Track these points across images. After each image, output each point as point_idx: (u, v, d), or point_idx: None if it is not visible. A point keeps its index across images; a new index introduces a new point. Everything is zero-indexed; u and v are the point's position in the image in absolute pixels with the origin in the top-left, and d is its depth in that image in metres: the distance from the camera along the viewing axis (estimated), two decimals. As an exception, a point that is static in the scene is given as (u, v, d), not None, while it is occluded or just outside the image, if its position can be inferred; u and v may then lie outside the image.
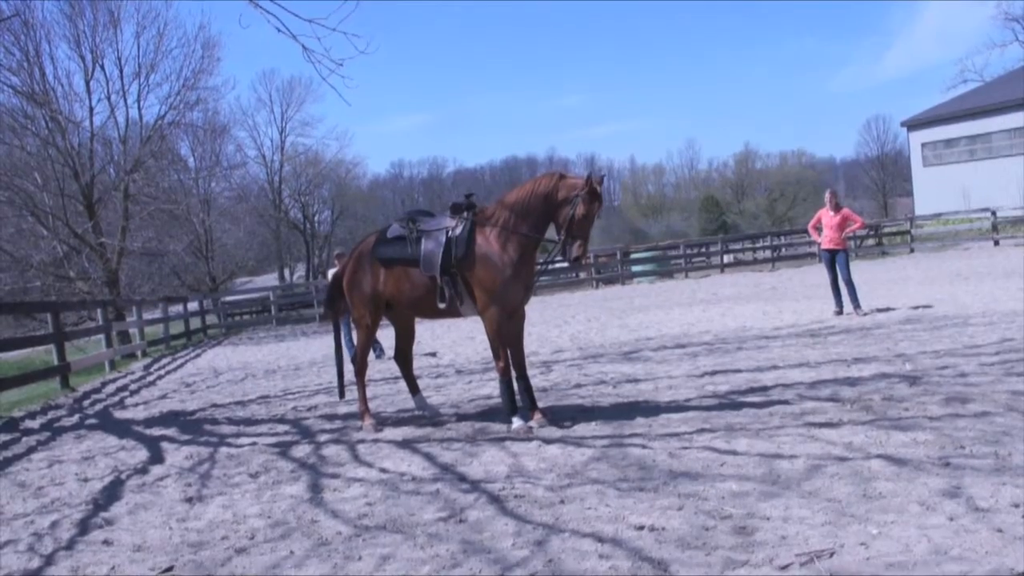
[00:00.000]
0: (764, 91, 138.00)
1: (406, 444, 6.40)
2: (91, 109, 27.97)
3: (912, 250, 28.83)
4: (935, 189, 37.23)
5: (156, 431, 8.17)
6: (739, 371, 8.38)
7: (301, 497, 5.19)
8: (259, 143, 64.61)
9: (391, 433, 6.86)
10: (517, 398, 6.65)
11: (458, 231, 6.65)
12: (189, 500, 5.38)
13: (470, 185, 73.08)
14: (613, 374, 8.98)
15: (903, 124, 42.11)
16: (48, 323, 13.53)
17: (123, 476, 6.24)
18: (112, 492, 5.77)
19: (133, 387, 12.79)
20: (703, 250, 32.95)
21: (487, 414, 7.30)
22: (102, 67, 28.40)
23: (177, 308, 25.69)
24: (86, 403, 11.19)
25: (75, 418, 9.74)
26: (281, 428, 7.71)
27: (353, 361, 7.71)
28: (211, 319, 28.78)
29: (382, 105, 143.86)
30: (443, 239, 6.65)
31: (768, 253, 31.94)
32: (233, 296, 34.07)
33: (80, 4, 27.73)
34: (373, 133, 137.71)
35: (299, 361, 14.35)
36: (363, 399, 7.33)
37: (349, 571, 3.87)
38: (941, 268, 20.35)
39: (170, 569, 4.11)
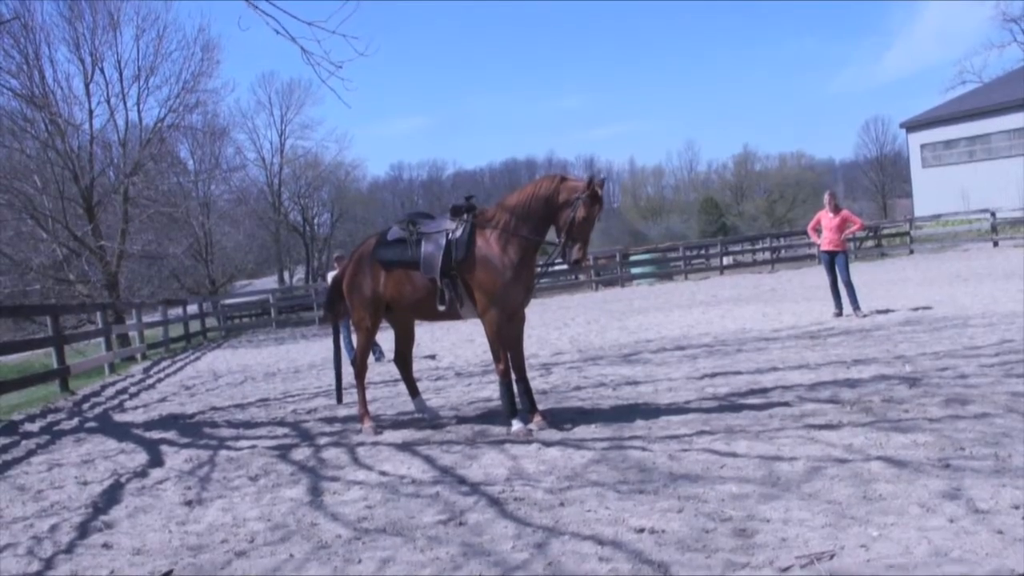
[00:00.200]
0: (763, 92, 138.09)
1: (406, 447, 6.40)
2: (91, 112, 27.99)
3: (911, 251, 28.84)
4: (934, 190, 37.24)
5: (156, 434, 8.16)
6: (739, 373, 8.38)
7: (301, 500, 5.19)
8: (259, 146, 64.64)
9: (391, 436, 6.86)
10: (517, 400, 6.65)
11: (458, 233, 6.65)
12: (189, 503, 5.38)
13: (469, 187, 73.01)
14: (613, 376, 8.98)
15: (902, 125, 42.14)
16: (47, 326, 13.52)
17: (123, 479, 6.24)
18: (112, 495, 5.77)
19: (133, 390, 12.78)
20: (702, 252, 32.94)
21: (487, 417, 7.30)
22: (102, 70, 28.42)
23: (177, 311, 25.67)
24: (85, 406, 11.18)
25: (74, 421, 9.73)
26: (281, 431, 7.71)
27: (353, 364, 7.71)
28: (211, 322, 28.76)
29: (381, 107, 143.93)
30: (443, 241, 6.65)
31: (767, 255, 31.94)
32: (233, 299, 34.04)
33: (79, 7, 27.77)
34: (372, 135, 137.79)
35: (299, 364, 14.35)
36: (363, 402, 7.32)
37: (349, 574, 3.87)
38: (940, 269, 20.35)
39: (170, 572, 4.11)
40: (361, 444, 6.67)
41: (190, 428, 8.41)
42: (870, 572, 3.33)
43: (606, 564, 3.66)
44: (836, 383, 7.33)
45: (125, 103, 29.25)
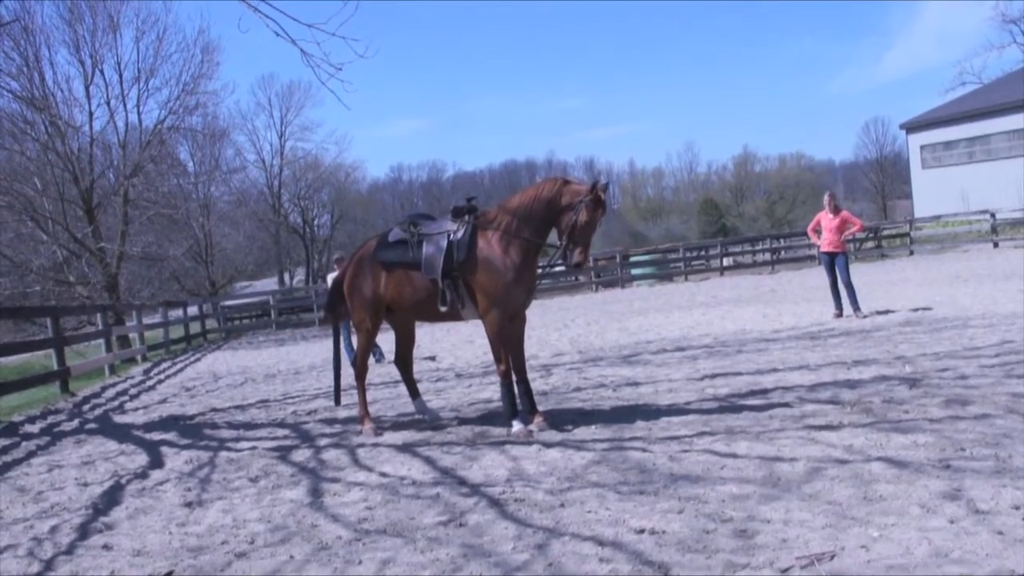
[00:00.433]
0: (763, 93, 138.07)
1: (406, 448, 6.40)
2: (91, 114, 28.07)
3: (911, 252, 28.84)
4: (934, 191, 37.24)
5: (156, 435, 8.16)
6: (739, 374, 8.38)
7: (301, 501, 5.19)
8: (258, 147, 64.71)
9: (391, 437, 6.86)
10: (517, 402, 6.65)
11: (459, 235, 6.65)
12: (189, 505, 5.38)
13: (469, 188, 73.16)
14: (613, 377, 8.98)
15: (902, 126, 42.15)
16: (48, 328, 13.52)
17: (123, 481, 6.24)
18: (112, 497, 5.77)
19: (133, 391, 12.78)
20: (702, 253, 32.96)
21: (487, 418, 7.30)
22: (101, 72, 28.50)
23: (177, 312, 25.66)
24: (86, 407, 11.18)
25: (75, 423, 9.73)
26: (281, 432, 7.71)
27: (353, 365, 7.71)
28: (211, 323, 28.75)
29: (381, 109, 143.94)
30: (444, 243, 6.65)
31: (767, 256, 31.96)
32: (233, 300, 34.07)
33: (79, 9, 27.84)
34: (372, 137, 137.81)
35: (299, 365, 14.35)
36: (363, 403, 7.32)
37: (349, 575, 3.87)
38: (940, 270, 20.36)
39: (170, 574, 4.11)
40: (361, 445, 6.67)
41: (190, 429, 8.41)
42: (870, 573, 3.33)
43: (606, 565, 3.66)
44: (836, 384, 7.33)
45: (125, 105, 29.35)
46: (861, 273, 19.96)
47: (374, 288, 7.04)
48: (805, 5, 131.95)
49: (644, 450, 5.56)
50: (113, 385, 14.08)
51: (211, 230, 39.42)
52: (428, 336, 16.12)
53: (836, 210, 12.68)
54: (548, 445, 5.96)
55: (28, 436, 8.94)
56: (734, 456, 5.19)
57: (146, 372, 16.04)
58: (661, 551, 3.76)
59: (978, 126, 36.41)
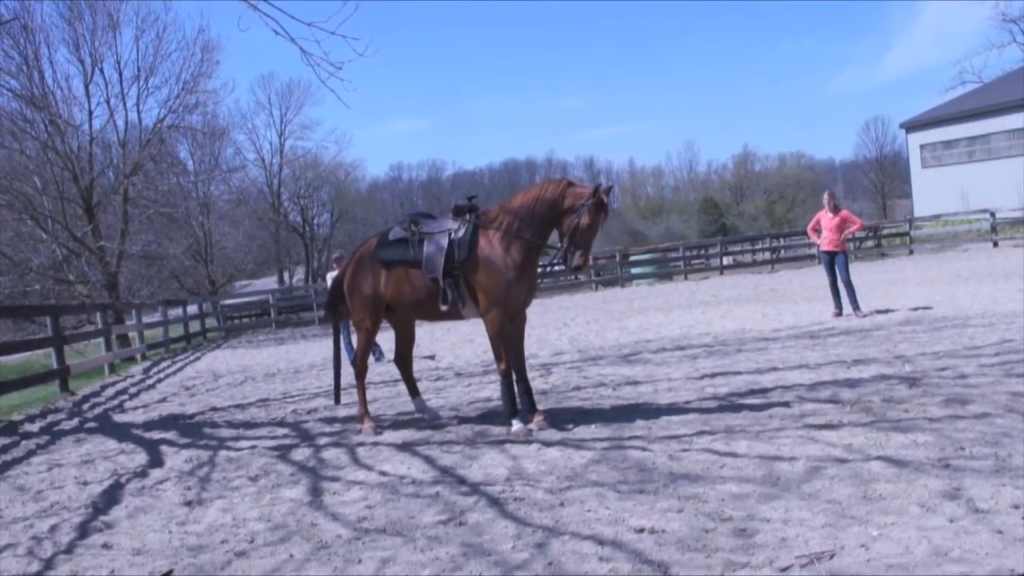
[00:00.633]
0: (763, 93, 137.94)
1: (406, 447, 6.40)
2: (90, 113, 28.02)
3: (911, 251, 28.85)
4: (934, 190, 37.24)
5: (155, 434, 8.16)
6: (739, 373, 8.38)
7: (301, 500, 5.19)
8: (258, 146, 64.63)
9: (391, 436, 6.86)
10: (517, 401, 6.65)
11: (460, 233, 6.65)
12: (189, 503, 5.38)
13: (469, 187, 73.06)
14: (613, 376, 8.98)
15: (902, 126, 42.14)
16: (47, 326, 13.52)
17: (122, 480, 6.24)
18: (111, 496, 5.77)
19: (132, 390, 12.78)
20: (702, 252, 32.94)
21: (487, 417, 7.30)
22: (101, 71, 28.45)
23: (176, 311, 25.68)
24: (85, 406, 11.18)
25: (74, 421, 9.73)
26: (281, 431, 7.71)
27: (353, 364, 7.71)
28: (210, 322, 28.75)
29: (381, 108, 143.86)
30: (445, 242, 6.65)
31: (767, 255, 31.95)
32: (232, 299, 34.03)
33: (79, 7, 27.78)
34: (372, 136, 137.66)
35: (299, 364, 14.35)
36: (363, 402, 7.32)
37: (349, 574, 3.87)
38: (940, 269, 20.36)
39: (170, 573, 4.11)
40: (361, 444, 6.67)
41: (190, 428, 8.41)
42: (870, 572, 3.33)
43: (606, 564, 3.66)
44: (836, 383, 7.33)
45: (125, 104, 29.30)
46: (861, 272, 19.96)
47: (374, 287, 7.04)
48: (805, 5, 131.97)
49: (644, 449, 5.56)
50: (113, 384, 14.09)
51: (211, 229, 39.38)
52: (428, 335, 16.12)
53: (836, 209, 12.68)
54: (548, 444, 5.96)
55: (28, 435, 8.94)
56: (734, 455, 5.19)
57: (146, 371, 16.04)
58: (661, 550, 3.76)
59: (978, 125, 36.40)
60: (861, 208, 63.65)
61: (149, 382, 13.88)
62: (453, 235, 6.67)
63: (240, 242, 42.62)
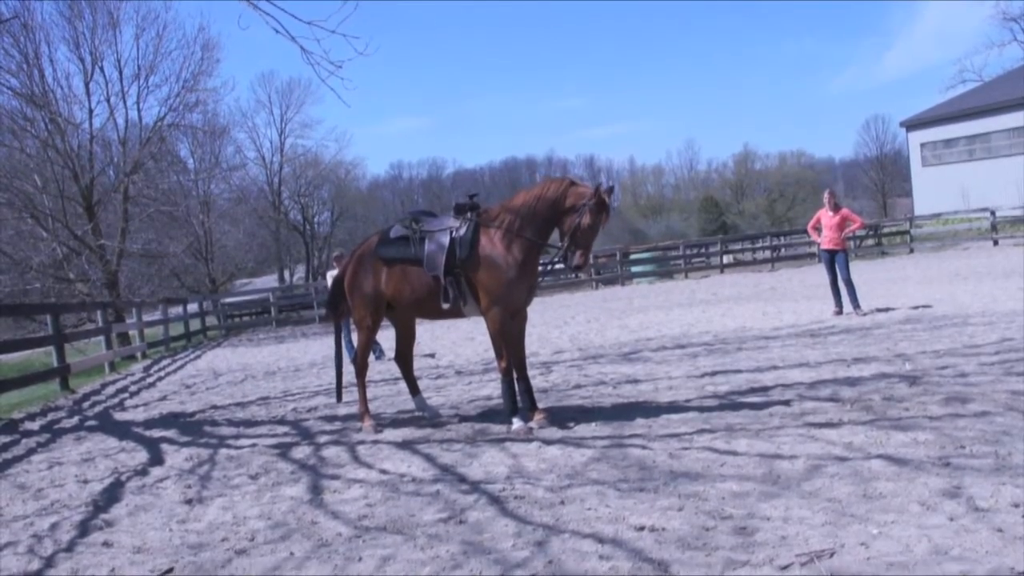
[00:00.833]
0: (763, 92, 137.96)
1: (406, 445, 6.40)
2: (90, 111, 27.97)
3: (911, 250, 28.84)
4: (934, 189, 37.22)
5: (156, 433, 8.16)
6: (739, 371, 8.38)
7: (301, 498, 5.19)
8: (258, 145, 64.57)
9: (391, 434, 6.86)
10: (517, 399, 6.65)
11: (462, 232, 6.65)
12: (189, 502, 5.38)
13: (469, 186, 73.01)
14: (613, 375, 8.98)
15: (902, 124, 42.10)
16: (48, 325, 13.53)
17: (123, 478, 6.24)
18: (112, 494, 5.77)
19: (133, 389, 12.78)
20: (703, 251, 32.94)
21: (487, 415, 7.30)
22: (101, 69, 28.41)
23: (177, 310, 25.68)
24: (86, 405, 11.19)
25: (75, 420, 9.73)
26: (281, 429, 7.71)
27: (353, 363, 7.71)
28: (211, 320, 28.76)
29: (381, 106, 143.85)
30: (447, 240, 6.65)
31: (768, 253, 31.94)
32: (233, 298, 34.04)
33: (79, 6, 27.74)
34: (372, 134, 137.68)
35: (299, 362, 14.35)
36: (363, 400, 7.32)
37: (350, 572, 3.87)
38: (940, 268, 20.36)
39: (170, 571, 4.11)
40: (361, 442, 6.68)
41: (190, 426, 8.42)
42: (870, 570, 3.33)
43: (606, 562, 3.66)
44: (836, 381, 7.33)
45: (125, 102, 29.26)
46: (861, 271, 19.96)
47: (375, 285, 7.04)
48: (805, 5, 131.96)
49: (644, 447, 5.56)
50: (113, 382, 14.09)
51: (211, 227, 39.36)
52: (428, 333, 16.12)
53: (836, 208, 12.68)
54: (548, 442, 5.96)
55: (28, 433, 8.94)
56: (734, 453, 5.19)
57: (146, 369, 16.05)
58: (661, 548, 3.76)
59: (978, 124, 36.37)
60: (861, 207, 63.63)
61: (149, 380, 13.88)
62: (454, 233, 6.67)
63: (240, 240, 42.61)
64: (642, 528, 4.03)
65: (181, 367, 15.97)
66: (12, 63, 25.69)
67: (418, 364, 9.85)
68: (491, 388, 8.71)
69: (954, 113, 37.78)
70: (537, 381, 8.61)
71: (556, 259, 7.09)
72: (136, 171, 27.48)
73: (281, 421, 8.20)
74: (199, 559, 4.24)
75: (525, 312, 6.88)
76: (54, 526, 5.08)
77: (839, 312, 12.58)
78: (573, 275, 28.26)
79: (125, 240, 26.68)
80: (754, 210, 73.92)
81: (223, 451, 6.89)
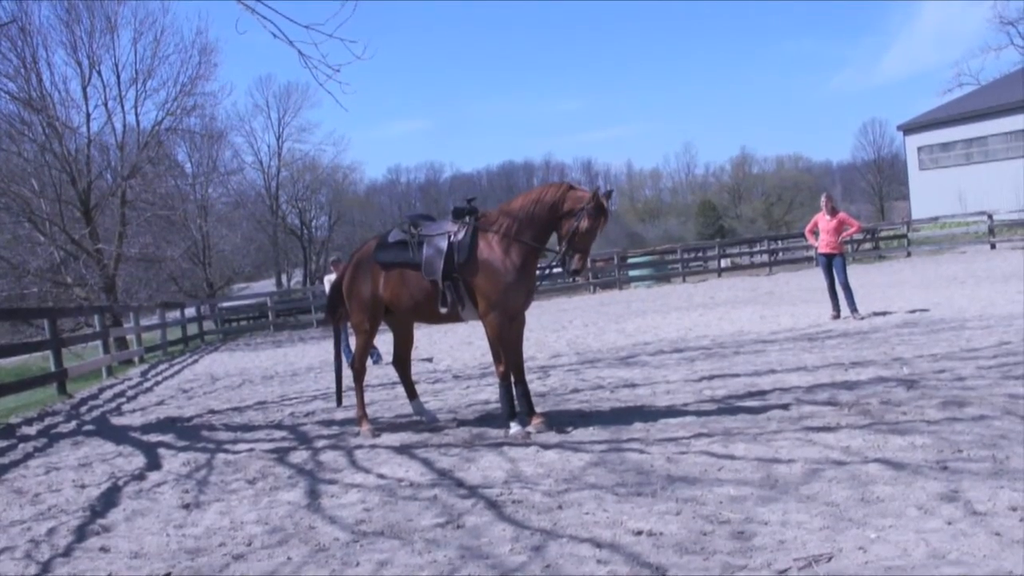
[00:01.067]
0: (760, 95, 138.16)
1: (404, 449, 6.39)
2: (88, 115, 28.01)
3: (909, 254, 28.88)
4: (932, 193, 37.33)
5: (153, 437, 8.15)
6: (736, 375, 8.38)
7: (299, 503, 5.18)
8: (256, 149, 64.61)
9: (388, 439, 6.86)
10: (515, 403, 6.65)
11: (460, 236, 6.65)
12: (186, 507, 5.37)
13: (467, 190, 73.16)
14: (611, 379, 8.98)
15: (899, 128, 42.24)
16: (45, 329, 13.51)
17: (120, 483, 6.23)
18: (109, 499, 5.76)
19: (130, 393, 12.76)
20: (700, 254, 33.00)
21: (485, 419, 7.30)
22: (99, 73, 28.45)
23: (174, 314, 25.61)
24: (83, 409, 11.16)
25: (72, 424, 9.71)
26: (278, 434, 7.70)
27: (351, 367, 7.71)
28: (208, 325, 28.70)
29: (379, 110, 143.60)
30: (445, 244, 6.65)
31: (765, 257, 31.96)
32: (230, 302, 34.08)
33: (77, 10, 27.77)
34: (370, 138, 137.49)
35: (296, 367, 14.33)
36: (361, 404, 7.32)
37: (347, 577, 3.87)
38: (938, 272, 20.39)
39: (167, 575, 4.10)
40: (359, 447, 6.67)
41: (188, 431, 8.40)
42: (868, 574, 3.33)
43: (604, 567, 3.66)
44: (834, 385, 7.33)
45: (123, 106, 29.31)
46: (858, 275, 19.99)
47: (373, 289, 7.04)
48: (804, 5, 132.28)
49: (642, 452, 5.56)
50: (111, 387, 14.06)
51: (209, 232, 39.42)
52: (426, 338, 16.11)
53: (833, 212, 12.70)
54: (546, 447, 5.96)
55: (25, 438, 8.92)
56: (732, 458, 5.19)
57: (143, 374, 16.02)
58: (659, 553, 3.76)
59: (975, 127, 36.50)
60: (859, 210, 63.79)
61: (147, 385, 13.86)
62: (452, 237, 6.67)
63: (238, 245, 42.68)
64: (640, 532, 4.03)
65: (179, 372, 15.94)
66: (9, 67, 25.75)
67: (416, 368, 9.85)
68: (488, 392, 8.70)
69: (951, 117, 37.90)
70: (535, 385, 8.61)
71: (554, 263, 7.10)
72: (134, 175, 27.48)
73: (278, 426, 8.19)
74: (196, 564, 4.23)
75: (523, 316, 6.88)
76: (51, 531, 5.07)
77: (837, 316, 12.59)
78: (571, 279, 28.27)
79: (122, 244, 26.68)
80: (751, 214, 74.10)
81: (220, 456, 6.88)
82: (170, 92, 29.85)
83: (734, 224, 72.07)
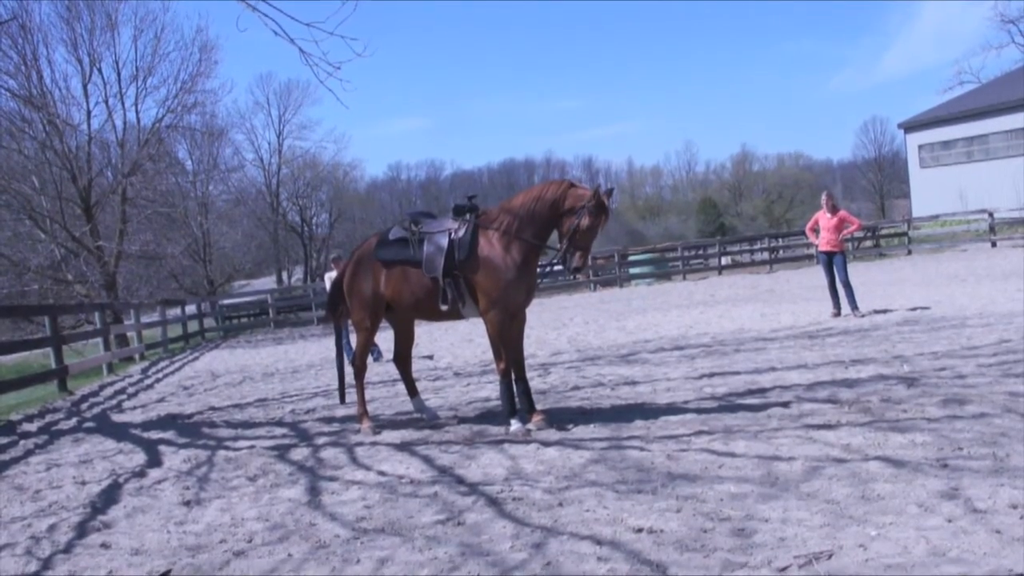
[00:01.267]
0: (761, 93, 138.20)
1: (404, 447, 6.40)
2: (89, 112, 27.97)
3: (909, 252, 28.86)
4: (932, 191, 37.30)
5: (154, 434, 8.15)
6: (737, 373, 8.38)
7: (299, 500, 5.18)
8: (257, 146, 64.61)
9: (389, 436, 6.86)
10: (516, 400, 6.65)
11: (460, 233, 6.65)
12: (187, 503, 5.37)
13: (468, 187, 73.11)
14: (611, 376, 8.98)
15: (900, 126, 42.20)
16: (46, 326, 13.51)
17: (121, 479, 6.23)
18: (110, 495, 5.76)
19: (131, 390, 12.77)
20: (701, 252, 32.97)
21: (485, 416, 7.30)
22: (99, 70, 28.41)
23: (175, 311, 25.64)
24: (84, 406, 11.17)
25: (73, 421, 9.72)
26: (279, 431, 7.70)
27: (352, 364, 7.71)
28: (209, 322, 28.75)
29: (380, 108, 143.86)
30: (445, 241, 6.65)
31: (766, 255, 31.96)
32: (231, 299, 34.05)
33: (77, 7, 27.72)
34: (371, 136, 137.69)
35: (297, 364, 14.33)
36: (361, 402, 7.32)
37: (347, 574, 3.87)
38: (938, 270, 20.38)
39: (168, 573, 4.10)
40: (359, 444, 6.67)
41: (188, 428, 8.41)
42: (868, 572, 3.33)
43: (604, 564, 3.66)
44: (834, 383, 7.33)
45: (123, 103, 29.27)
46: (859, 272, 19.98)
47: (374, 287, 7.04)
48: (804, 5, 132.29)
49: (642, 449, 5.56)
50: (111, 384, 14.08)
51: (209, 229, 39.39)
52: (427, 335, 16.11)
53: (834, 209, 12.70)
54: (546, 444, 5.96)
55: (26, 435, 8.93)
56: (732, 455, 5.19)
57: (144, 371, 16.03)
58: (659, 550, 3.76)
59: (976, 126, 36.47)
60: (859, 208, 63.72)
61: (147, 382, 13.87)
62: (453, 235, 6.66)
63: (238, 242, 42.62)
64: (640, 530, 4.03)
65: (179, 369, 15.95)
66: (10, 64, 25.71)
67: (416, 366, 9.85)
68: (489, 390, 8.71)
69: (952, 115, 37.86)
70: (535, 383, 8.61)
71: (555, 261, 7.09)
72: (134, 172, 27.46)
73: (279, 423, 8.20)
74: (197, 561, 4.23)
75: (524, 314, 6.88)
76: (52, 528, 5.07)
77: (837, 314, 12.59)
78: (571, 277, 28.32)
79: (123, 241, 26.67)
80: (752, 212, 74.06)
81: (221, 453, 6.88)
82: (170, 89, 29.82)
83: (735, 222, 72.03)
